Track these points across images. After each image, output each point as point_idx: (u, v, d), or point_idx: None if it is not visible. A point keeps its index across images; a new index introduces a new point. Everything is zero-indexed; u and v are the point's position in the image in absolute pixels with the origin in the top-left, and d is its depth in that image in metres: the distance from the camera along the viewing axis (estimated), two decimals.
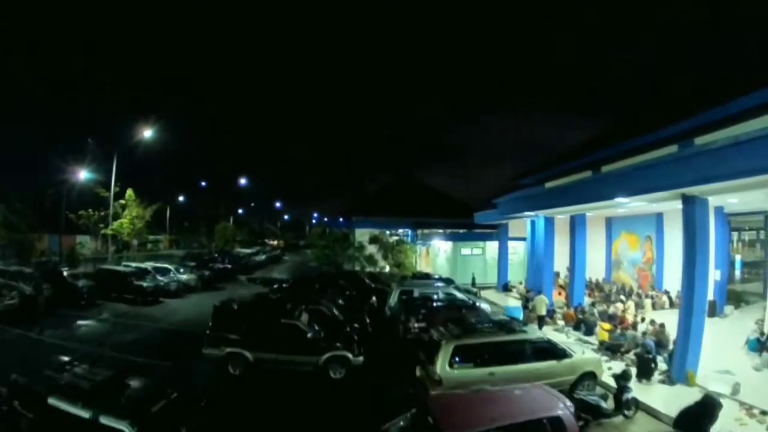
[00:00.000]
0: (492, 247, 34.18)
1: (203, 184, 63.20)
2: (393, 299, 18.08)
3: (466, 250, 33.65)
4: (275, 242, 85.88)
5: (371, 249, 33.28)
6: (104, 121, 31.98)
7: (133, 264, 27.86)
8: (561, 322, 20.36)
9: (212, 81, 28.20)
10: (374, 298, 21.17)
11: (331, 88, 25.27)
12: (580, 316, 19.80)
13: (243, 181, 60.56)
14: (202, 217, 61.31)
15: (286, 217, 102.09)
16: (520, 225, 30.63)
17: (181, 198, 64.89)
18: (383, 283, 26.84)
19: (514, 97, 19.55)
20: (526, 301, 19.97)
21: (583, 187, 16.55)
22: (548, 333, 18.45)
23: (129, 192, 32.58)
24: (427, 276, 28.85)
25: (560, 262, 25.07)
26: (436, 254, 38.46)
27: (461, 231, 39.95)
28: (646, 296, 23.21)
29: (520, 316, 20.25)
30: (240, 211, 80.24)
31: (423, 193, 50.40)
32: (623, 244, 27.51)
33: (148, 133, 30.35)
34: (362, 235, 38.12)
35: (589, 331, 18.40)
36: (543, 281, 21.64)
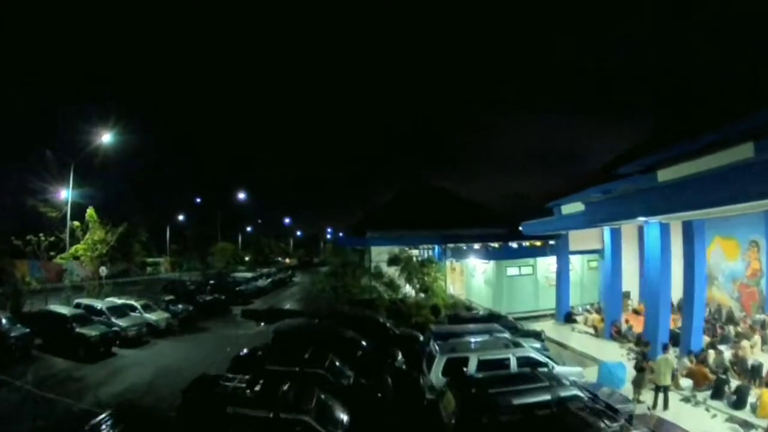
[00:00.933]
0: (543, 264, 27.06)
1: (205, 201, 58.75)
2: (436, 374, 10.65)
3: (512, 270, 26.26)
4: (287, 260, 79.32)
5: (391, 271, 26.65)
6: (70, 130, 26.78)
7: (85, 301, 21.60)
8: (685, 383, 12.95)
9: (215, 89, 23.59)
10: (400, 357, 13.97)
11: (349, 91, 20.34)
12: (722, 376, 12.47)
13: (249, 196, 55.94)
14: (199, 237, 55.01)
15: (298, 233, 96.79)
16: (581, 235, 23.71)
17: (181, 217, 60.08)
18: (409, 321, 19.87)
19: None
20: (642, 358, 12.71)
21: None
22: (679, 410, 11.39)
23: (89, 212, 26.57)
24: (470, 314, 21.32)
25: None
26: (471, 275, 31.16)
27: (497, 245, 32.65)
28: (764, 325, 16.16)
29: (624, 378, 12.99)
30: (249, 228, 75.04)
31: (448, 203, 43.23)
32: (716, 253, 20.90)
33: (107, 137, 24.93)
34: (379, 253, 31.13)
35: (741, 402, 11.29)
36: (659, 318, 14.30)
